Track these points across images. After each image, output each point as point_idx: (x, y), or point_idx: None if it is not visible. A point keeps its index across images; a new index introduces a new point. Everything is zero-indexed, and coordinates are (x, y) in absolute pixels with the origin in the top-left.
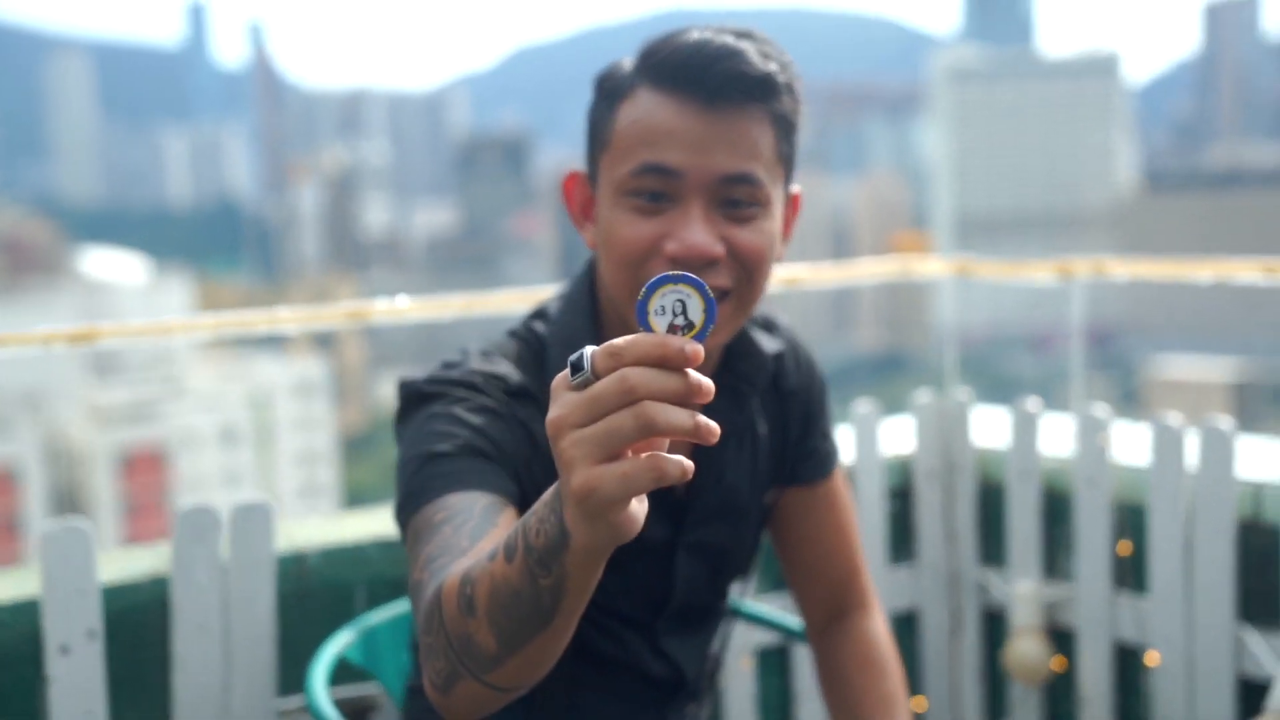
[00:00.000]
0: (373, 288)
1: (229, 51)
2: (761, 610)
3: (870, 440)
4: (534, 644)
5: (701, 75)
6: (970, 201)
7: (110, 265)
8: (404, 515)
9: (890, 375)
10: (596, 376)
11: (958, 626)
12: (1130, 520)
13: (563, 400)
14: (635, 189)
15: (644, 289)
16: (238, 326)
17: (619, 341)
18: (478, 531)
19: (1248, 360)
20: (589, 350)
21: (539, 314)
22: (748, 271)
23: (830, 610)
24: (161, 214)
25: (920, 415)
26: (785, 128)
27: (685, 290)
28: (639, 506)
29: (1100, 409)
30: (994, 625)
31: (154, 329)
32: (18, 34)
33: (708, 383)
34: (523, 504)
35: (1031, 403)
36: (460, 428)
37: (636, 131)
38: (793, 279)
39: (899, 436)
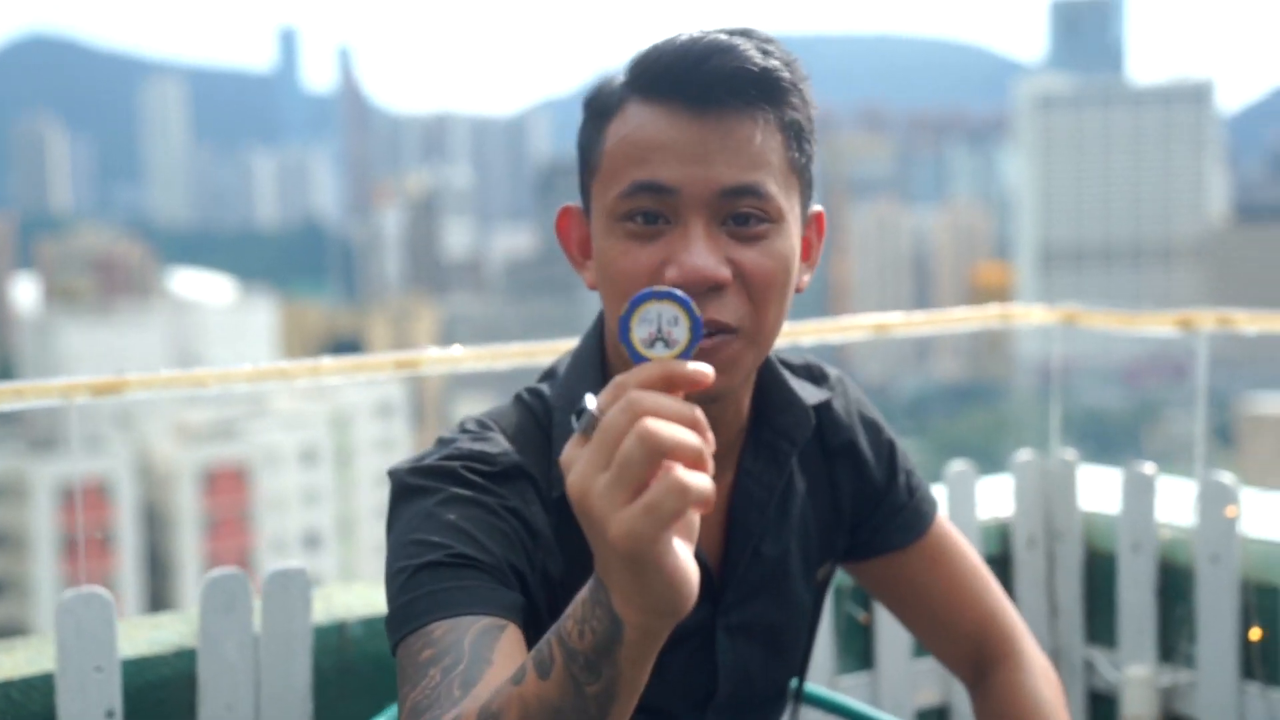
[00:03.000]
0: (452, 310)
1: (318, 76)
2: (841, 700)
3: (966, 502)
4: None
5: (691, 76)
6: (1055, 231)
7: (198, 285)
8: (391, 640)
9: (971, 406)
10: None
11: None
12: (1261, 602)
13: (575, 457)
14: (627, 212)
15: (626, 304)
16: (279, 378)
17: (623, 375)
18: (470, 676)
19: None
20: (590, 396)
21: (549, 373)
22: (759, 299)
23: (975, 664)
24: (249, 235)
25: (1020, 475)
26: (796, 133)
27: (670, 308)
28: (688, 561)
29: (1226, 476)
30: (1102, 711)
31: (186, 379)
32: (115, 59)
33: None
34: (530, 603)
35: (1147, 465)
36: (443, 533)
37: (624, 149)
38: (883, 325)
39: (997, 499)
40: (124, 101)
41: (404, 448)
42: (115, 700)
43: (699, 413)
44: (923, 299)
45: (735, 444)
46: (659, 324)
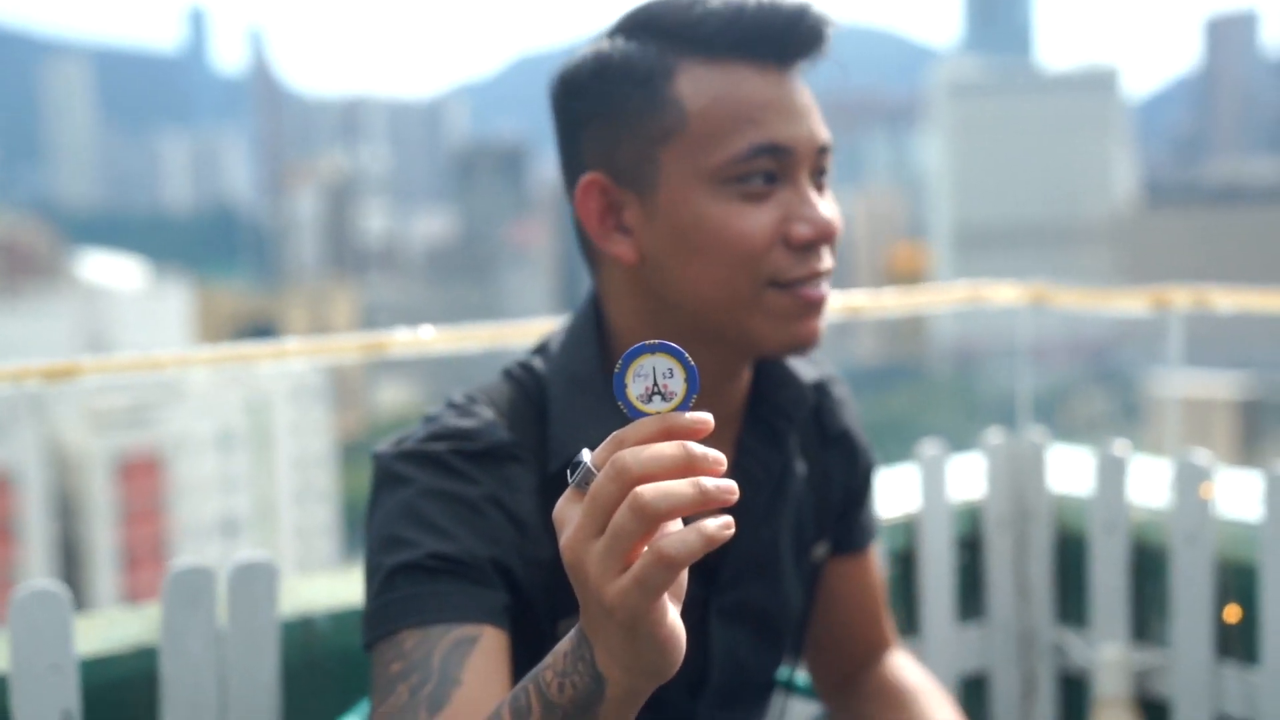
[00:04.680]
0: (371, 294)
1: (228, 57)
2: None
3: (937, 484)
4: None
5: (784, 35)
6: (968, 214)
7: (108, 269)
8: (364, 640)
9: (893, 387)
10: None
11: (1031, 692)
12: (1237, 581)
13: (570, 516)
14: (745, 173)
15: (620, 361)
16: (239, 360)
17: (621, 430)
18: (437, 697)
19: (1256, 375)
20: (586, 451)
21: (540, 349)
22: (834, 249)
23: (849, 669)
24: (160, 219)
25: (991, 457)
26: None
27: (664, 360)
28: (677, 624)
29: (1201, 455)
30: (1073, 692)
31: (144, 364)
32: (15, 38)
33: (714, 454)
34: (520, 595)
35: (1118, 445)
36: (421, 530)
37: (728, 110)
38: (854, 307)
39: (968, 480)
40: (24, 82)
41: (324, 431)
42: (73, 701)
43: (694, 449)
44: (841, 280)
45: (735, 419)
46: (654, 378)
